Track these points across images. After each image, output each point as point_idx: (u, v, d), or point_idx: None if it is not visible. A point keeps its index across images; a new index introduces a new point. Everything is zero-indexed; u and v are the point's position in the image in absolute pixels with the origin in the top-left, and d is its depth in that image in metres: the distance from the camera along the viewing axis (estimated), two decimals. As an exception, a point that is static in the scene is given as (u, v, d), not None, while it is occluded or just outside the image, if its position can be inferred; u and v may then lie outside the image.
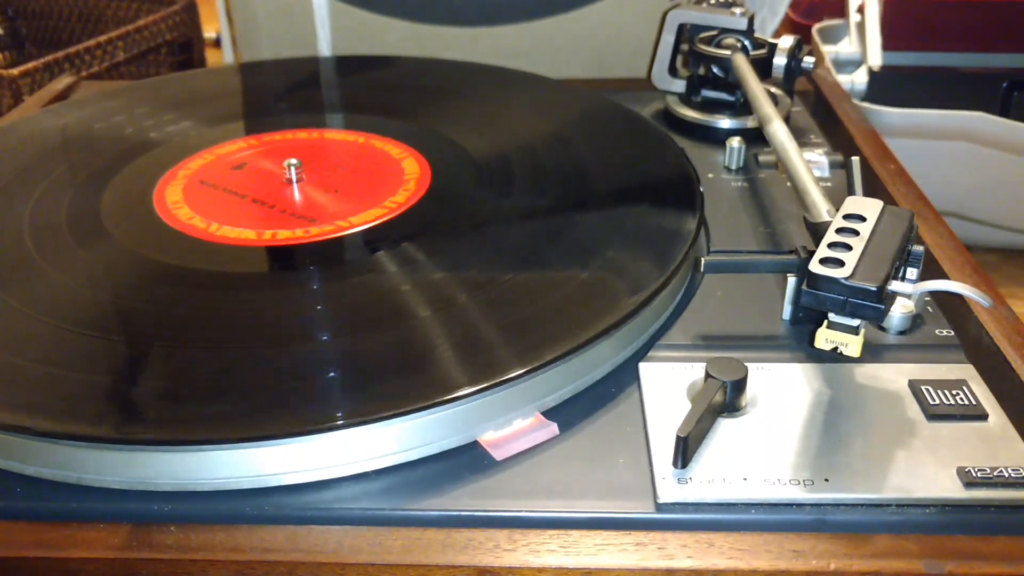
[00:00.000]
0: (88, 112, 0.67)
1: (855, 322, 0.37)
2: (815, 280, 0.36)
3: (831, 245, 0.37)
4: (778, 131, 0.51)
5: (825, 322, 0.38)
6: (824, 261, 0.37)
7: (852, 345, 0.37)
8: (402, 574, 0.33)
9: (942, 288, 0.38)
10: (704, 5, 0.68)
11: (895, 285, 0.37)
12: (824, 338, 0.38)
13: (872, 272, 0.36)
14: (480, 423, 0.38)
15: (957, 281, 0.39)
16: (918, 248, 0.40)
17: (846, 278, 0.36)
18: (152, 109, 0.67)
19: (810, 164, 0.59)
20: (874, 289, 0.35)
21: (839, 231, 0.38)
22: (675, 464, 0.35)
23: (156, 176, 0.57)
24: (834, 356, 0.41)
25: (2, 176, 0.57)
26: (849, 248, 0.37)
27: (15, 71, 0.97)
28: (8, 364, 0.40)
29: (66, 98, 0.77)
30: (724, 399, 0.38)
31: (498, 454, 0.37)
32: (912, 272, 0.40)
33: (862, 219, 0.39)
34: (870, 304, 0.35)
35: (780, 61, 0.64)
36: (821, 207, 0.43)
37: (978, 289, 0.38)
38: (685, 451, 0.35)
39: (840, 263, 0.36)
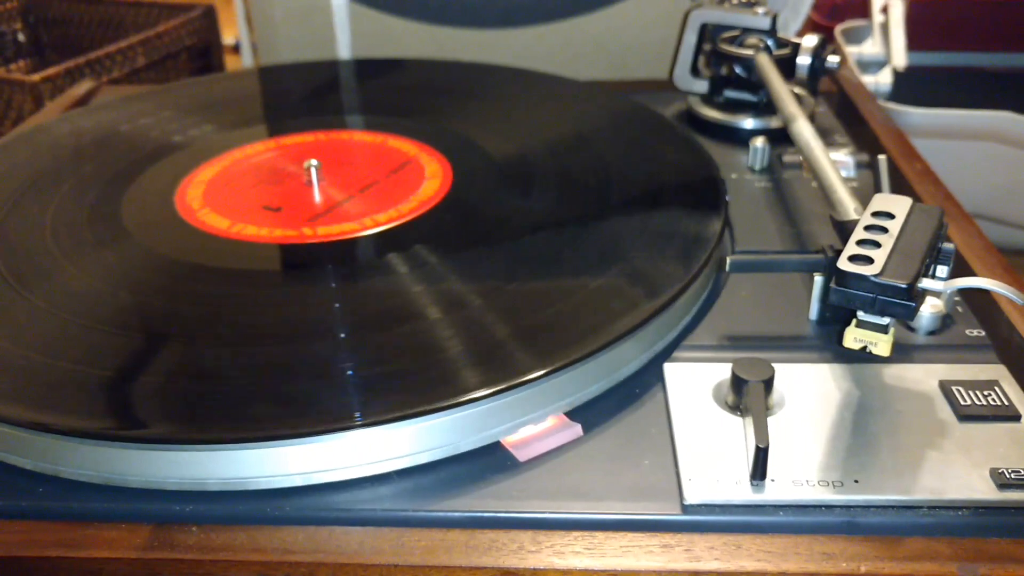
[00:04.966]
0: (109, 116, 0.67)
1: (884, 320, 0.36)
2: (844, 278, 0.36)
3: (860, 242, 0.37)
4: (803, 130, 0.51)
5: (854, 321, 0.37)
6: (853, 258, 0.36)
7: (882, 344, 0.37)
8: (424, 575, 0.33)
9: (973, 285, 0.37)
10: (727, 5, 0.67)
11: (925, 282, 0.36)
12: (853, 337, 0.37)
13: (902, 269, 0.35)
14: (503, 424, 0.37)
15: (991, 285, 0.38)
16: (948, 245, 0.39)
17: (875, 275, 0.35)
18: (173, 113, 0.68)
19: (836, 164, 0.58)
20: (904, 286, 0.35)
21: (868, 228, 0.38)
22: (755, 477, 0.34)
23: (177, 178, 0.57)
24: (862, 356, 0.40)
25: (24, 179, 0.58)
26: (878, 245, 0.37)
27: (36, 77, 0.98)
28: (31, 362, 0.40)
29: (87, 103, 0.77)
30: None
31: (521, 455, 0.37)
32: (942, 270, 0.39)
33: (891, 216, 0.39)
34: (900, 302, 0.35)
35: (804, 60, 0.63)
36: (848, 205, 0.43)
37: (1016, 289, 0.37)
38: (765, 462, 0.34)
39: (869, 260, 0.36)
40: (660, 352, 0.42)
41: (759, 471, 0.34)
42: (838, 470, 0.35)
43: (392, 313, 0.42)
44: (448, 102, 0.68)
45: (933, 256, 0.38)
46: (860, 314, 0.37)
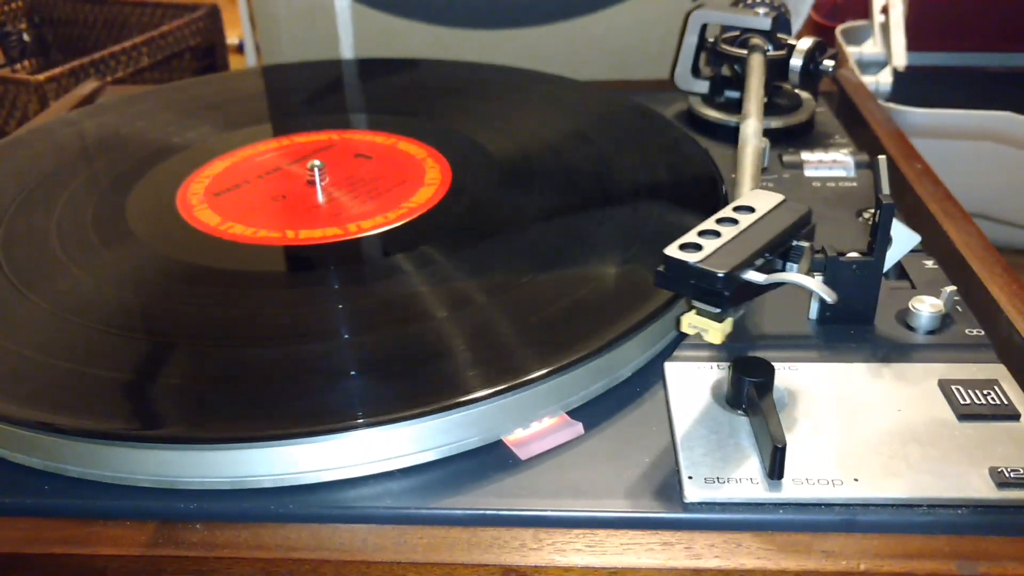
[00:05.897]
0: (113, 116, 0.68)
1: (716, 309, 0.37)
2: (668, 263, 0.36)
3: (701, 232, 0.37)
4: (748, 127, 0.52)
5: (694, 309, 0.38)
6: (684, 246, 0.36)
7: (713, 332, 0.37)
8: (427, 573, 0.33)
9: (786, 280, 0.37)
10: (740, 6, 0.67)
11: (750, 275, 0.36)
12: (688, 323, 0.37)
13: (724, 259, 0.35)
14: (505, 423, 0.38)
15: (805, 281, 0.38)
16: (802, 243, 0.39)
17: (696, 263, 0.35)
18: (176, 113, 0.68)
19: (836, 163, 0.59)
20: (719, 275, 0.35)
21: (719, 220, 0.38)
22: (772, 475, 0.34)
23: (180, 178, 0.57)
24: (864, 356, 0.41)
25: (29, 179, 0.58)
26: (718, 235, 0.37)
27: (41, 77, 0.99)
28: (36, 362, 0.40)
29: (91, 103, 0.77)
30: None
31: (523, 453, 0.37)
32: (792, 267, 0.39)
33: (751, 211, 0.39)
34: (715, 290, 0.35)
35: (796, 62, 0.63)
36: None
37: (826, 287, 0.38)
38: (783, 461, 0.34)
39: (698, 248, 0.36)
40: (661, 351, 0.42)
41: (777, 470, 0.34)
42: (838, 468, 0.35)
43: (394, 313, 0.42)
44: (449, 102, 0.68)
45: (780, 252, 0.39)
46: (695, 301, 0.37)
